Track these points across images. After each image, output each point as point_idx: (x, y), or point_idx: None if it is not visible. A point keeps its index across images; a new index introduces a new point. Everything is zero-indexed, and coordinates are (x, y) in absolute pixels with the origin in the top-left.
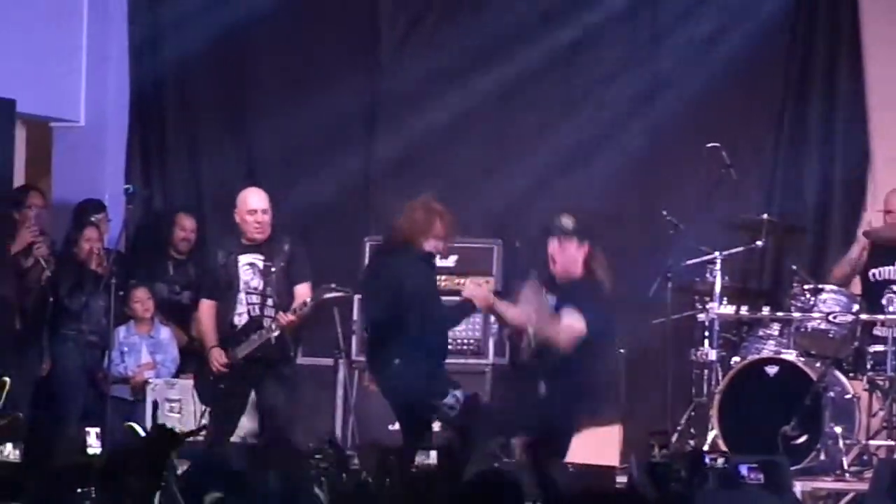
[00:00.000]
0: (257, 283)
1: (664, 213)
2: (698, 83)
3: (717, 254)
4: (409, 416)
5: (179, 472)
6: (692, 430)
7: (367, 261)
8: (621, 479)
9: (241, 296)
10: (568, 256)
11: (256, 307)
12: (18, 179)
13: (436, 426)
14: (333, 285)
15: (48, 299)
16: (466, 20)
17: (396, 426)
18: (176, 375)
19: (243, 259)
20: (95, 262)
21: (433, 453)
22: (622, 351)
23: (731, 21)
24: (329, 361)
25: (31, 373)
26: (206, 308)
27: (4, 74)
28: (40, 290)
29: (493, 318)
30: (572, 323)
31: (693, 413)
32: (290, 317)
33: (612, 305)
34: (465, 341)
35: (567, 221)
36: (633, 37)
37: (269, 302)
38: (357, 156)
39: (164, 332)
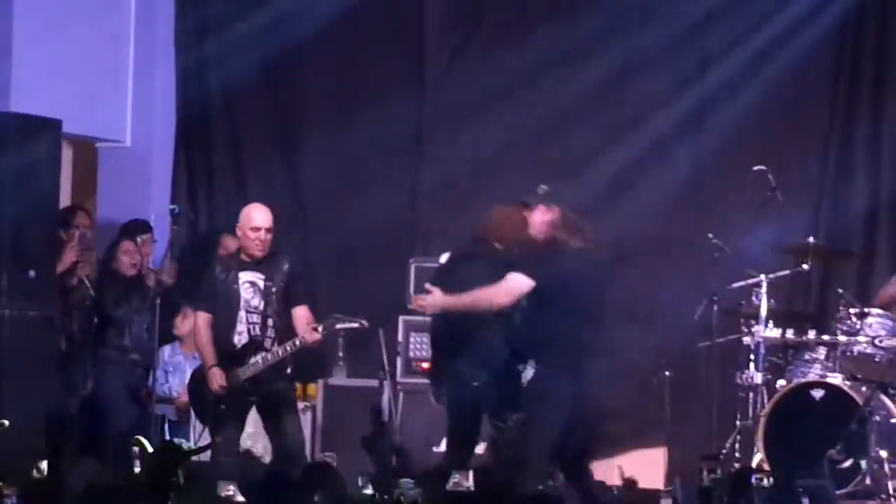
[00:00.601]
0: (258, 302)
1: (710, 236)
2: (745, 107)
3: (763, 277)
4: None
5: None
6: (738, 454)
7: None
8: (666, 502)
9: (242, 314)
10: (535, 222)
11: (257, 327)
12: (64, 199)
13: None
14: (339, 315)
15: (93, 319)
16: (513, 43)
17: (441, 447)
18: None
19: (243, 277)
20: (137, 271)
21: (470, 474)
22: (668, 373)
23: (777, 45)
24: (374, 383)
25: (75, 392)
26: (204, 322)
27: (51, 95)
28: (85, 310)
29: None
30: (513, 284)
31: (739, 436)
32: (317, 336)
33: (580, 260)
34: None
35: (541, 188)
36: (680, 61)
37: (270, 322)
38: (404, 178)
39: None
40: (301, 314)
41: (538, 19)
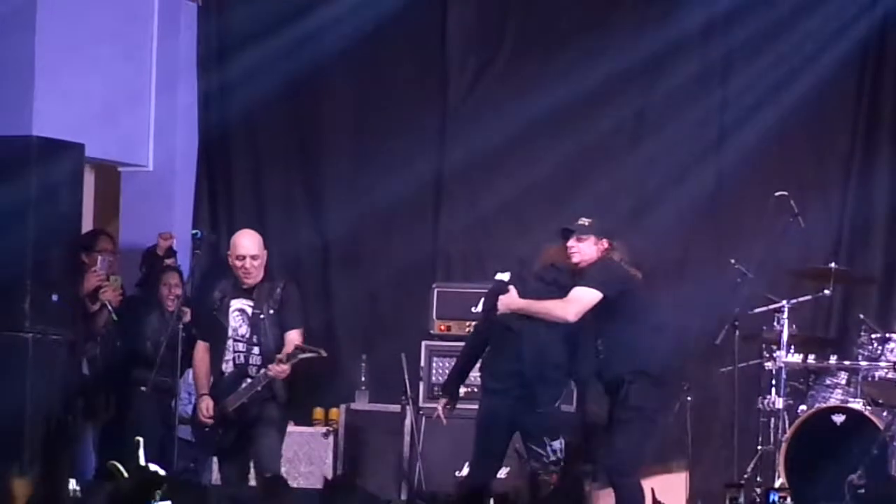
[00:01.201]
0: (245, 330)
1: (732, 261)
2: (766, 131)
3: (784, 302)
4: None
5: None
6: (759, 479)
7: None
8: None
9: (230, 342)
10: (585, 251)
11: (242, 356)
12: (86, 223)
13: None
14: (301, 346)
15: (115, 343)
16: (535, 64)
17: (464, 472)
18: None
19: (234, 304)
20: (173, 305)
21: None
22: (689, 398)
23: (798, 68)
24: (396, 408)
25: (98, 419)
26: (202, 351)
27: (74, 119)
28: (108, 334)
29: None
30: (579, 296)
31: (760, 461)
32: (283, 366)
33: (636, 283)
34: None
35: (584, 221)
36: (700, 85)
37: (255, 350)
38: (426, 202)
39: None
40: (290, 338)
41: (560, 40)
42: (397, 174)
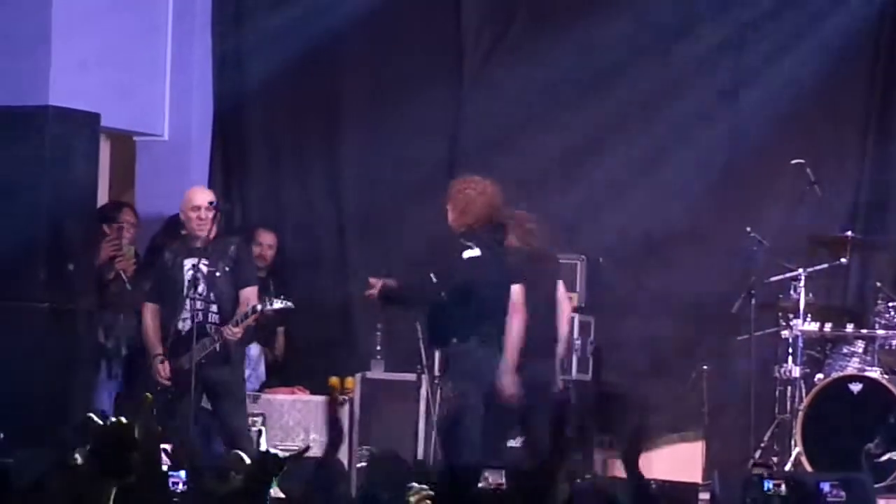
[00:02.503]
0: (202, 288)
1: (748, 229)
2: (782, 99)
3: (801, 271)
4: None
5: None
6: (775, 448)
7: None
8: (704, 496)
9: (187, 301)
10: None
11: (200, 314)
12: (102, 193)
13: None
14: (273, 298)
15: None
16: (550, 38)
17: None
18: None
19: (188, 263)
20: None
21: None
22: (706, 367)
23: (814, 34)
24: (412, 377)
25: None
26: (150, 312)
27: (89, 88)
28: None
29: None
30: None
31: (776, 430)
32: (236, 330)
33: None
34: None
35: None
36: (717, 54)
37: (213, 308)
38: (441, 173)
39: (255, 349)
40: (245, 295)
41: (574, 11)
42: (413, 146)
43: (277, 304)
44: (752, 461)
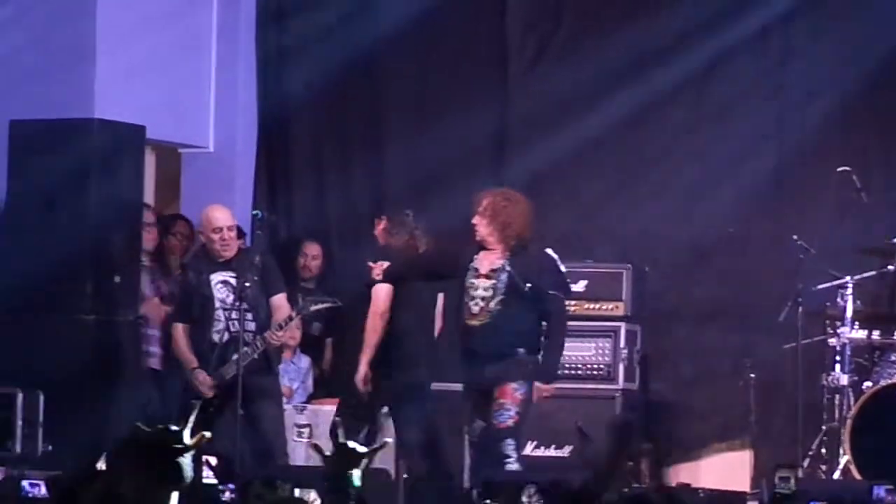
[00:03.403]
0: (232, 299)
1: (795, 237)
2: (829, 106)
3: (848, 278)
4: None
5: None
6: (824, 455)
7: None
8: None
9: (219, 313)
10: None
11: (236, 322)
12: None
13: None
14: (312, 298)
15: None
16: (595, 40)
17: (526, 451)
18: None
19: (215, 278)
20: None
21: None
22: (753, 375)
23: (861, 42)
24: (458, 386)
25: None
26: (180, 331)
27: (135, 101)
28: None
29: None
30: None
31: (824, 438)
32: (280, 334)
33: None
34: (595, 366)
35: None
36: (763, 60)
37: (249, 316)
38: (487, 178)
39: (305, 361)
40: (277, 303)
41: (620, 16)
42: (458, 152)
43: (322, 305)
44: (775, 464)
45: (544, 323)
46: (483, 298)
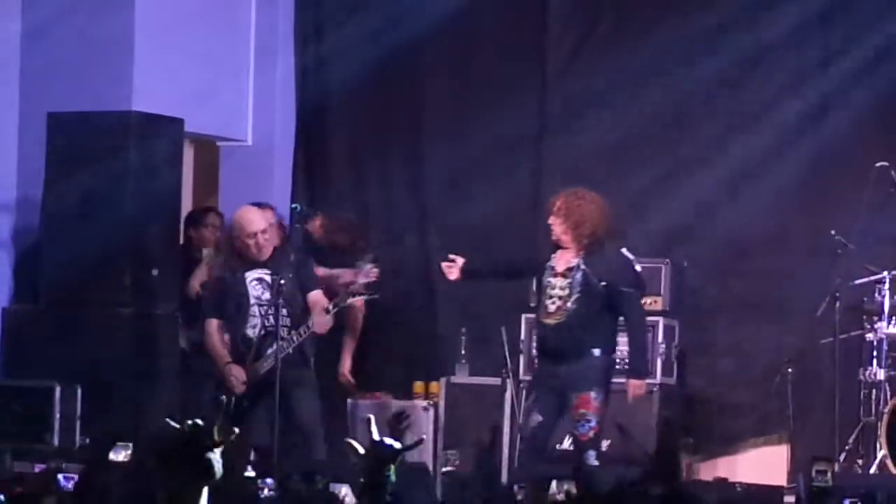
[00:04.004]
0: (268, 295)
1: (832, 232)
2: (866, 102)
3: (885, 273)
4: None
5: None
6: (860, 451)
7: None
8: (789, 499)
9: (254, 308)
10: None
11: (271, 317)
12: (186, 199)
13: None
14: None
15: None
16: (633, 37)
17: (564, 445)
18: None
19: (250, 276)
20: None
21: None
22: (790, 370)
23: None
24: (496, 381)
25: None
26: (213, 327)
27: (173, 94)
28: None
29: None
30: None
31: (861, 433)
32: (328, 317)
33: None
34: None
35: None
36: (802, 55)
37: (284, 312)
38: (525, 175)
39: None
40: (314, 299)
41: (657, 13)
42: (496, 149)
43: (361, 296)
44: (812, 457)
45: (621, 319)
46: (560, 297)
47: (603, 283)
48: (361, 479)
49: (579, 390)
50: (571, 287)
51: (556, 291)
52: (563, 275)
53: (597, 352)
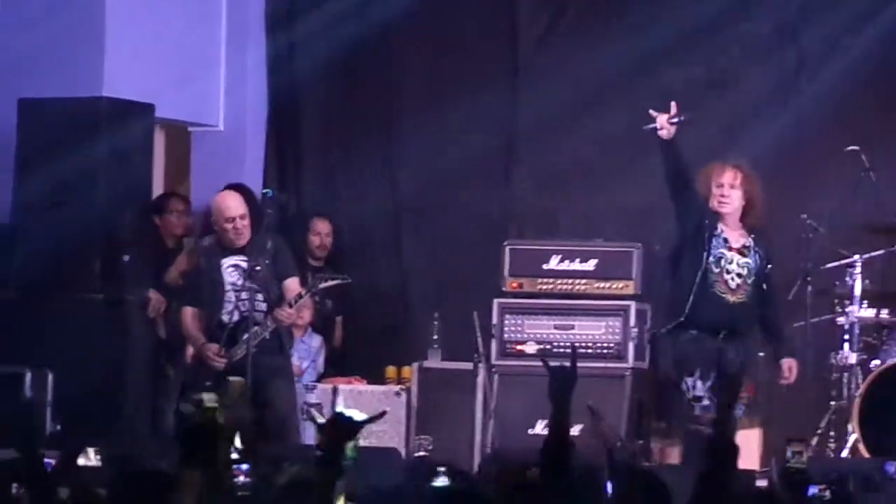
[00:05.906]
0: (242, 282)
1: (804, 216)
2: (838, 86)
3: (856, 257)
4: None
5: None
6: (832, 434)
7: None
8: (761, 483)
9: (229, 294)
10: None
11: (246, 303)
12: (157, 184)
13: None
14: (321, 275)
15: None
16: (605, 18)
17: (536, 430)
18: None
19: (226, 262)
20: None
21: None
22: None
23: (872, 23)
24: (469, 366)
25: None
26: (190, 314)
27: (144, 79)
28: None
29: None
30: None
31: (833, 417)
32: (289, 310)
33: None
34: (605, 345)
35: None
36: (772, 40)
37: (260, 297)
38: (498, 161)
39: (316, 340)
40: (289, 286)
41: None
42: (468, 132)
43: (332, 282)
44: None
45: None
46: (739, 275)
47: (769, 266)
48: (318, 452)
49: (749, 377)
50: (750, 267)
51: (735, 268)
52: (741, 252)
53: (758, 338)
